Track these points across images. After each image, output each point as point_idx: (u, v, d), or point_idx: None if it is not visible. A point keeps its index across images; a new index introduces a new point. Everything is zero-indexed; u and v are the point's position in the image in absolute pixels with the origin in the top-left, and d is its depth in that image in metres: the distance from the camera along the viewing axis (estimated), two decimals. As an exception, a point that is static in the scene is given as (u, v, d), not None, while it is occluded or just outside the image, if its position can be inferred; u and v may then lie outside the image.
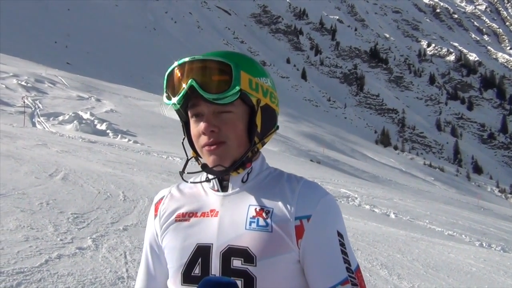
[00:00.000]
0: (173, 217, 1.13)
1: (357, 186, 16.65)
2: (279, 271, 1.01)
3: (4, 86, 24.86)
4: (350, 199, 12.61)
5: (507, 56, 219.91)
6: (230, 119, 1.05)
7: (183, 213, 1.12)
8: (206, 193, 1.13)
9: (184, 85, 1.03)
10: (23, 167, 7.17)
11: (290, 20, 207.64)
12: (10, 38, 68.36)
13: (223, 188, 1.11)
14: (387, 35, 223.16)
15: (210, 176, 1.08)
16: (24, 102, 20.89)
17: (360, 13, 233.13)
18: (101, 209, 5.38)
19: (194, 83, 1.01)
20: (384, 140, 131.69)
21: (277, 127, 1.16)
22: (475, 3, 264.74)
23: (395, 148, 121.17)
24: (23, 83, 27.18)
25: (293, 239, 1.02)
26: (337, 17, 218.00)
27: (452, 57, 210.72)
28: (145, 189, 7.30)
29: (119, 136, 18.44)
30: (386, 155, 68.25)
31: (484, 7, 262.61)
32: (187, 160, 1.13)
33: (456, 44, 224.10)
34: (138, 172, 9.30)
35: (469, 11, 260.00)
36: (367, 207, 11.84)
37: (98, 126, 19.84)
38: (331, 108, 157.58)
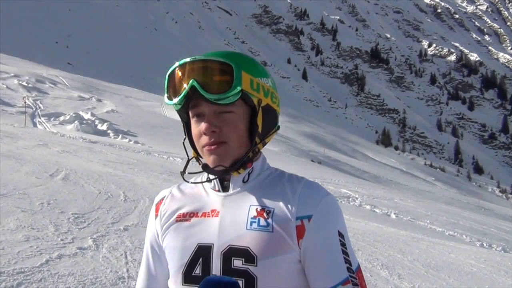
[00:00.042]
0: (174, 217, 1.13)
1: (357, 186, 16.64)
2: (280, 271, 1.01)
3: (5, 86, 24.87)
4: (350, 199, 12.60)
5: (508, 56, 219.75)
6: (231, 120, 1.05)
7: (184, 213, 1.12)
8: (207, 193, 1.13)
9: (185, 85, 1.03)
10: (24, 167, 7.18)
11: (291, 21, 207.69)
12: (11, 38, 68.45)
13: (224, 188, 1.11)
14: (388, 35, 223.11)
15: (211, 176, 1.08)
16: (25, 102, 20.90)
17: (361, 13, 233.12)
18: (102, 209, 5.39)
19: (195, 84, 1.01)
20: (385, 140, 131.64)
21: (278, 127, 1.16)
22: (476, 3, 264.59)
23: (396, 148, 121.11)
24: (24, 83, 27.18)
25: (294, 239, 1.02)
26: (338, 17, 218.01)
27: (453, 57, 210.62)
28: (146, 189, 7.30)
29: (120, 136, 18.44)
30: (387, 155, 68.19)
31: (485, 7, 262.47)
32: (188, 160, 1.13)
33: (457, 44, 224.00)
34: (139, 172, 9.30)
35: (470, 11, 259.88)
36: (368, 207, 11.84)
37: (99, 126, 19.84)
38: (332, 108, 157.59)
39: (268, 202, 1.06)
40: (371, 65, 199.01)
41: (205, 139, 1.05)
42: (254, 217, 1.04)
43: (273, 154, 21.57)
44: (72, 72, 45.41)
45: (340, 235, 1.05)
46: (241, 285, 0.99)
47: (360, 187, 16.88)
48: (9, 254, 3.39)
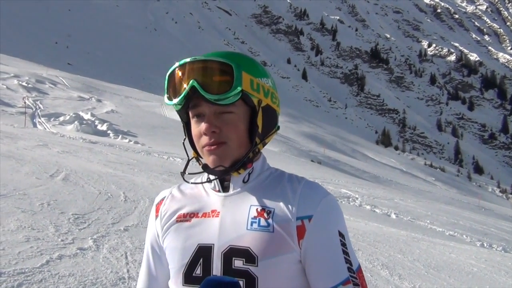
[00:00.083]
0: (174, 217, 1.13)
1: (358, 187, 16.64)
2: (281, 271, 1.01)
3: (5, 86, 24.86)
4: (351, 199, 12.60)
5: (508, 56, 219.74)
6: (231, 120, 1.05)
7: (184, 214, 1.12)
8: (207, 193, 1.13)
9: (185, 86, 1.03)
10: (24, 167, 7.18)
11: (291, 21, 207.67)
12: (11, 38, 68.45)
13: (224, 188, 1.11)
14: (388, 35, 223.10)
15: (211, 177, 1.08)
16: (25, 102, 20.89)
17: (360, 13, 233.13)
18: (102, 209, 5.39)
19: (195, 84, 1.01)
20: (384, 140, 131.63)
21: (278, 128, 1.16)
22: (476, 3, 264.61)
23: (396, 148, 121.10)
24: (24, 83, 27.18)
25: (294, 239, 1.02)
26: (338, 18, 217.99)
27: (452, 57, 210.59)
28: (146, 189, 7.30)
29: (120, 136, 18.44)
30: (387, 156, 68.18)
31: (485, 7, 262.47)
32: (188, 161, 1.13)
33: (456, 44, 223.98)
34: (139, 173, 9.30)
35: (469, 11, 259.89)
36: (368, 207, 11.84)
37: (99, 127, 19.84)
38: (332, 109, 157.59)
39: (268, 202, 1.06)
40: (371, 65, 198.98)
41: (205, 140, 1.05)
42: (255, 217, 1.04)
43: (273, 154, 21.57)
44: (72, 72, 45.42)
45: (341, 235, 1.05)
46: (241, 285, 0.99)
47: (360, 187, 16.88)
48: (9, 255, 3.39)
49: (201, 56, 1.04)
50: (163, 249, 1.14)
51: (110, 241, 4.23)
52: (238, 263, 1.01)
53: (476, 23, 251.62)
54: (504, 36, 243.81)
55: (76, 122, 19.18)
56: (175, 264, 1.08)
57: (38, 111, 21.14)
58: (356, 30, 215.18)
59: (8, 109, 19.80)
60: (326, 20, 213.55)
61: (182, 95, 1.03)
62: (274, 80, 1.16)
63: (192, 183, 1.17)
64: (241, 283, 0.99)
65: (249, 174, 1.10)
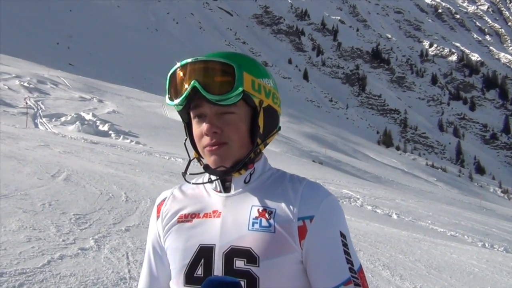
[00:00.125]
0: (176, 218, 1.13)
1: (359, 187, 16.63)
2: (282, 271, 1.01)
3: (6, 87, 24.89)
4: (352, 199, 12.60)
5: (509, 56, 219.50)
6: (233, 120, 1.05)
7: (185, 214, 1.12)
8: (209, 194, 1.13)
9: (186, 86, 1.03)
10: (26, 168, 7.19)
11: (292, 21, 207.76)
12: (12, 39, 68.56)
13: (226, 189, 1.11)
14: (389, 36, 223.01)
15: (213, 177, 1.08)
16: (26, 103, 20.90)
17: (362, 13, 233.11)
18: (103, 210, 5.39)
19: (197, 84, 1.01)
20: (386, 140, 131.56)
21: (279, 128, 1.16)
22: (477, 3, 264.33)
23: (397, 148, 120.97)
24: (25, 84, 27.21)
25: (296, 240, 1.02)
26: (339, 18, 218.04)
27: (454, 57, 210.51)
28: (147, 190, 7.30)
29: (121, 137, 18.46)
30: (388, 156, 68.12)
31: (486, 7, 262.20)
32: (190, 161, 1.14)
33: (458, 44, 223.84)
34: (140, 173, 9.31)
35: (471, 11, 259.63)
36: (369, 207, 11.83)
37: (100, 127, 19.85)
38: (333, 109, 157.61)
39: (270, 203, 1.06)
40: (372, 65, 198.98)
41: (206, 140, 1.05)
42: (256, 218, 1.04)
43: (275, 154, 21.58)
44: (73, 72, 45.48)
45: (342, 235, 1.05)
46: (243, 286, 0.99)
47: (362, 187, 16.87)
48: (11, 255, 3.40)
49: (202, 57, 1.04)
50: (164, 250, 1.14)
51: (112, 241, 4.23)
52: (239, 263, 1.01)
53: (477, 23, 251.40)
54: (506, 36, 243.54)
55: (77, 123, 19.20)
56: (177, 264, 1.08)
57: (40, 111, 21.16)
58: (357, 30, 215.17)
59: (10, 110, 19.82)
60: (327, 21, 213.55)
61: (184, 95, 1.03)
62: (275, 81, 1.16)
63: (193, 183, 1.17)
64: (242, 283, 0.99)
65: (251, 174, 1.10)
